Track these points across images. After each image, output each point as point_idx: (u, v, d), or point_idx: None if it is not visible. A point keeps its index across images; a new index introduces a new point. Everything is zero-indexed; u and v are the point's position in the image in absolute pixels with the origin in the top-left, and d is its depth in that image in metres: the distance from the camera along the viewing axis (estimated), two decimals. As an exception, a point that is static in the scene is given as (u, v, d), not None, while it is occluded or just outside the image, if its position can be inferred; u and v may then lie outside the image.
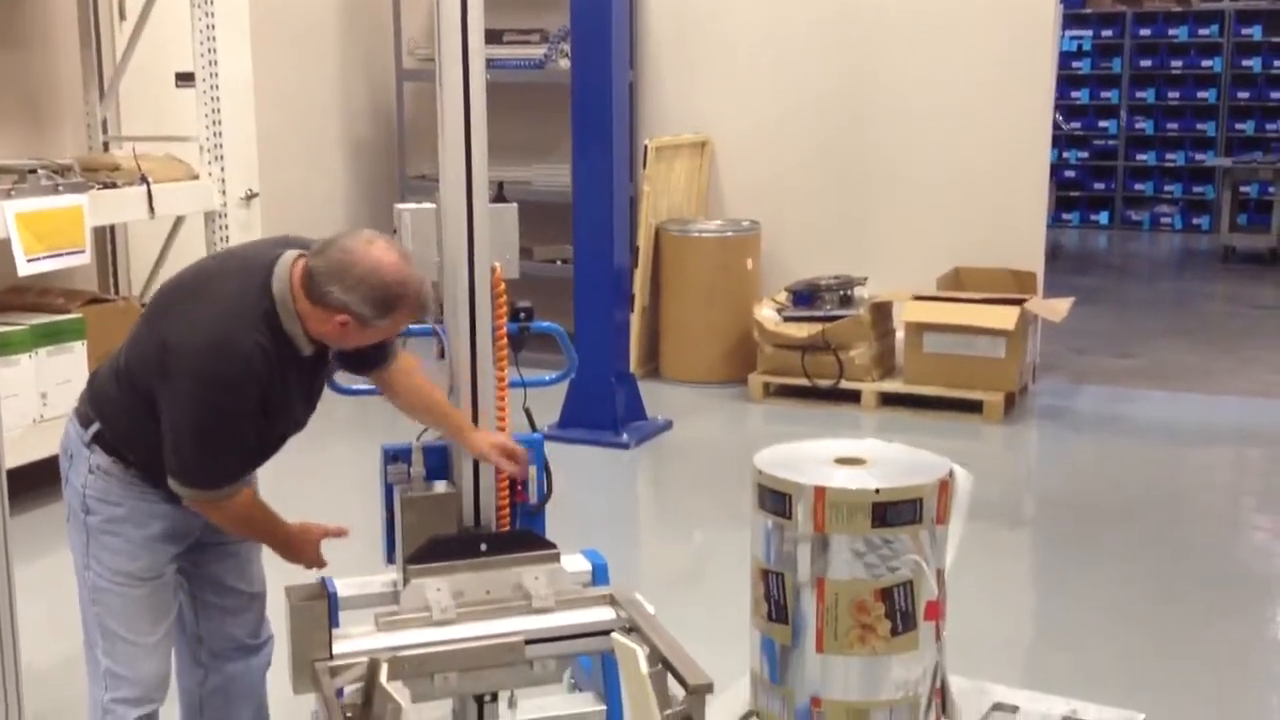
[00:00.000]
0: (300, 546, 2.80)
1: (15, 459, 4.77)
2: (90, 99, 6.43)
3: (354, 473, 5.88)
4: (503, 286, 2.96)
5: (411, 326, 3.13)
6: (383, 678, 2.42)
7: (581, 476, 5.82)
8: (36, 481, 4.64)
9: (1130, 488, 5.75)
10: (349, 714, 2.46)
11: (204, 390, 2.50)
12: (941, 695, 3.14)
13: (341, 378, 3.31)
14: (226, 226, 6.23)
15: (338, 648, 2.68)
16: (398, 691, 2.39)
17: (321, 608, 2.69)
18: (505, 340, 2.99)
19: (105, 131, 6.47)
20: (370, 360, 2.84)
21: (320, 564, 2.86)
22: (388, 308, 2.56)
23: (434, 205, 2.93)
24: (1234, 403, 7.20)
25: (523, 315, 3.15)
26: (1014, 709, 3.25)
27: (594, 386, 6.33)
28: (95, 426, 2.66)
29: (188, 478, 2.57)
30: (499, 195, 2.98)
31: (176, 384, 2.52)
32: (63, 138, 6.45)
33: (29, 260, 5.12)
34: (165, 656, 2.73)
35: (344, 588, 2.91)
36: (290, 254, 2.62)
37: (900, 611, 3.00)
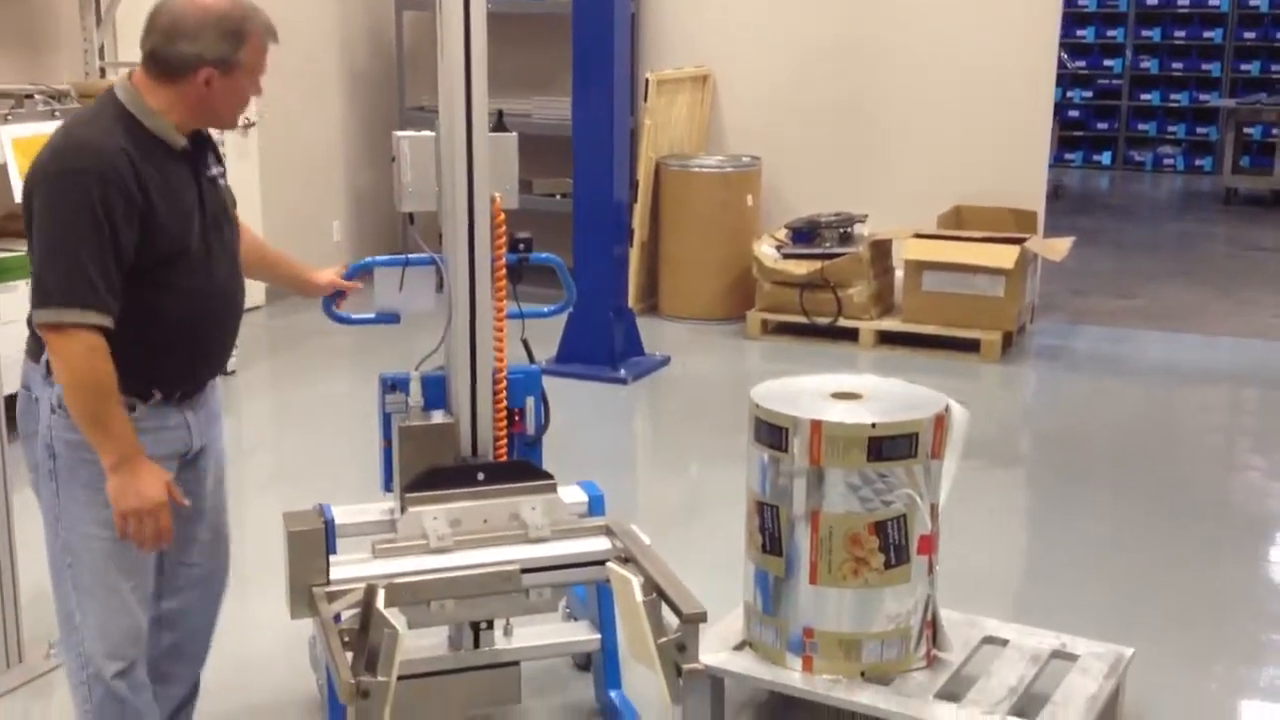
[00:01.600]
0: (144, 474, 2.45)
1: (13, 386, 4.78)
2: (87, 24, 6.35)
3: (352, 402, 5.90)
4: (502, 217, 2.95)
5: (410, 256, 3.13)
6: (380, 603, 2.43)
7: (579, 411, 5.83)
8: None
9: (1126, 428, 5.77)
10: (346, 639, 2.48)
11: (55, 186, 2.37)
12: (933, 628, 3.17)
13: (340, 306, 3.31)
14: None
15: (335, 573, 2.69)
16: (394, 617, 2.41)
17: (319, 534, 2.70)
18: (504, 271, 2.99)
19: (102, 57, 6.40)
20: None
21: (160, 523, 2.49)
22: (240, 35, 2.49)
23: (433, 133, 2.91)
24: (1231, 344, 7.21)
25: (522, 246, 3.13)
26: (1004, 642, 3.29)
27: (592, 321, 6.32)
28: (45, 354, 2.52)
29: (35, 293, 2.40)
30: (499, 124, 2.96)
31: (36, 196, 2.40)
32: (59, 63, 6.39)
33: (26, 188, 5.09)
34: (139, 611, 2.63)
35: (341, 515, 2.93)
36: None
37: (894, 545, 3.03)
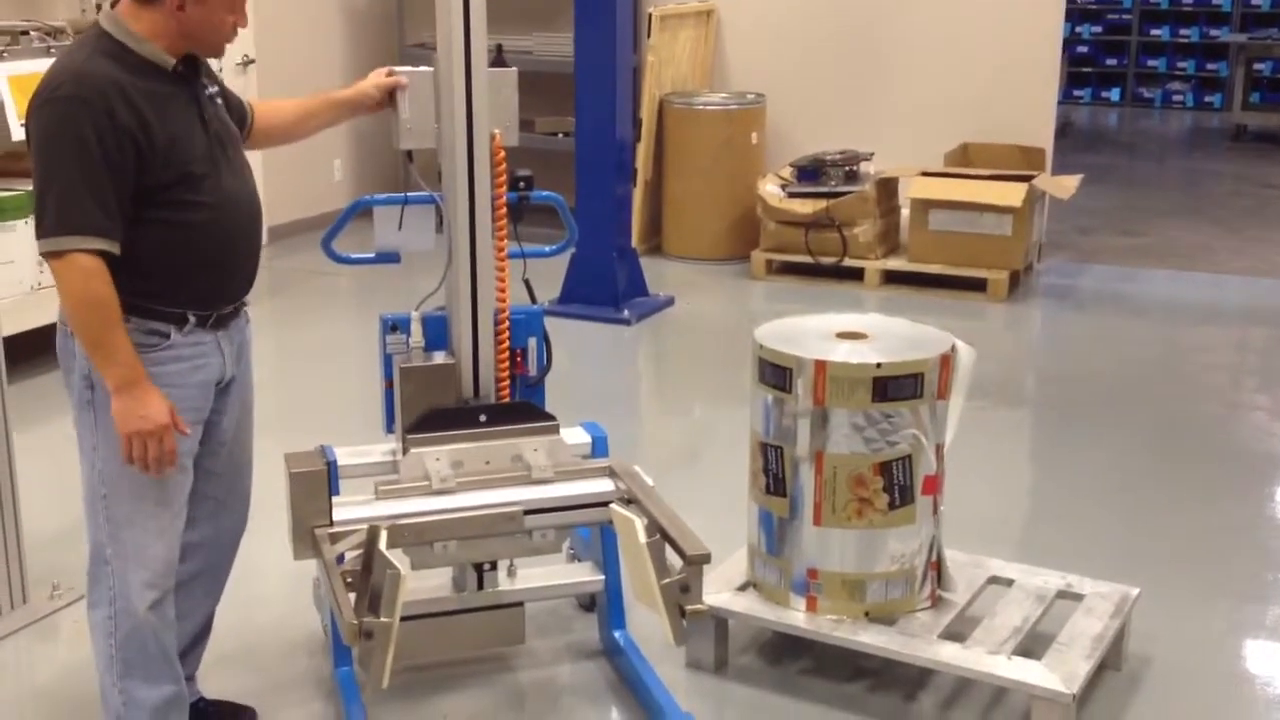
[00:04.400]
0: (148, 397, 2.45)
1: (12, 327, 4.77)
2: (81, -40, 6.27)
3: (353, 343, 5.87)
4: (502, 154, 2.90)
5: (410, 195, 3.09)
6: (382, 544, 2.42)
7: (582, 352, 5.80)
8: (34, 350, 4.63)
9: (1132, 367, 5.74)
10: (349, 580, 2.47)
11: (43, 116, 2.39)
12: (937, 568, 3.17)
13: (340, 246, 3.27)
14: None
15: (337, 515, 2.68)
16: (397, 559, 2.40)
17: (321, 475, 2.68)
18: (505, 209, 2.95)
19: (97, -6, 6.31)
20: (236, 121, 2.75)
21: (164, 445, 2.48)
22: None
23: (432, 69, 2.86)
24: (1239, 282, 7.16)
25: (522, 184, 3.09)
26: (1009, 582, 3.28)
27: (595, 262, 6.29)
28: None
29: (36, 224, 2.43)
30: (499, 59, 2.91)
31: (29, 129, 2.42)
32: (55, 0, 6.30)
33: (23, 124, 5.03)
34: (174, 541, 2.62)
35: (343, 456, 2.91)
36: None
37: (898, 485, 3.01)
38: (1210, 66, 13.82)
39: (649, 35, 7.20)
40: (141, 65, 2.46)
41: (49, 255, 2.42)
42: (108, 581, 2.60)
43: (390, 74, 2.92)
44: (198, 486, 2.72)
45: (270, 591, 3.59)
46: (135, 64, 2.45)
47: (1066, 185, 6.90)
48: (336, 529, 2.66)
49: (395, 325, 3.00)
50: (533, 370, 3.13)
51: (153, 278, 2.49)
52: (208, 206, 2.53)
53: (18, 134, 5.04)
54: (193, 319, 2.56)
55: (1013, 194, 6.54)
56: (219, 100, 2.65)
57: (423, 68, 2.89)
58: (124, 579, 2.58)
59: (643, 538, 2.57)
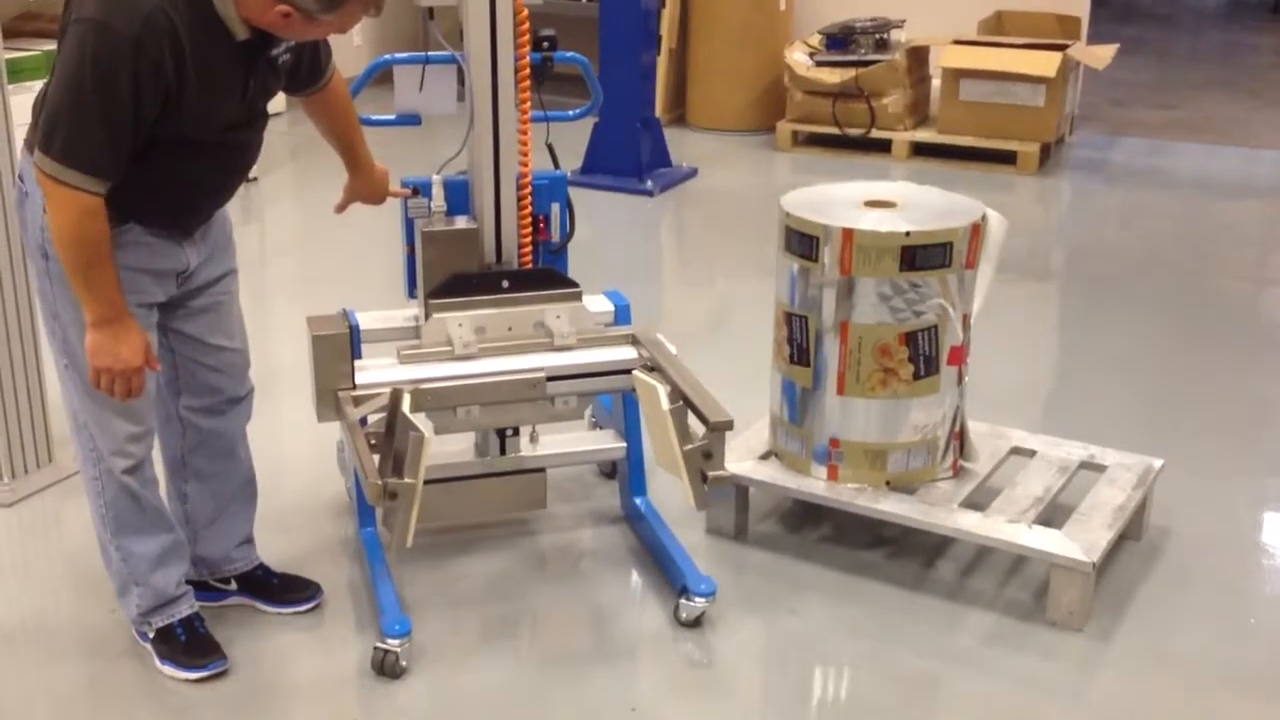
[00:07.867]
0: (124, 335, 2.39)
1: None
2: None
3: (375, 207, 5.81)
4: (525, 13, 2.83)
5: (430, 54, 3.03)
6: (405, 407, 2.42)
7: (604, 223, 5.76)
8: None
9: (1160, 241, 5.66)
10: (372, 442, 2.48)
11: (92, 37, 2.22)
12: (960, 438, 3.16)
13: (360, 108, 3.22)
14: None
15: (360, 378, 2.69)
16: (420, 422, 2.40)
17: (344, 338, 2.68)
18: (528, 70, 2.88)
19: None
20: (303, 79, 2.65)
21: (132, 384, 2.43)
22: (335, 1, 2.29)
23: (453, -77, 2.78)
24: (1273, 156, 7.03)
25: (546, 45, 3.03)
26: (1032, 453, 3.28)
27: (618, 132, 6.20)
28: None
29: (43, 130, 2.29)
30: (521, -88, 2.82)
31: (69, 34, 2.26)
32: None
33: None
34: (143, 412, 2.56)
35: (365, 320, 2.90)
36: None
37: (923, 356, 2.99)
38: (1254, -66, 13.39)
39: (675, -104, 7.00)
40: (212, 23, 2.31)
41: (46, 175, 2.30)
42: (88, 444, 2.59)
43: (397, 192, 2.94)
44: (192, 355, 2.67)
45: (295, 454, 3.61)
46: (207, 18, 2.30)
47: (1101, 56, 6.73)
48: (359, 392, 2.66)
49: (417, 189, 2.96)
50: (555, 237, 3.10)
51: (131, 196, 2.38)
52: (207, 164, 2.46)
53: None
54: (159, 225, 2.49)
55: (1046, 64, 6.39)
56: (284, 59, 2.51)
57: (444, -78, 2.81)
58: (99, 443, 2.57)
59: (666, 404, 2.57)
